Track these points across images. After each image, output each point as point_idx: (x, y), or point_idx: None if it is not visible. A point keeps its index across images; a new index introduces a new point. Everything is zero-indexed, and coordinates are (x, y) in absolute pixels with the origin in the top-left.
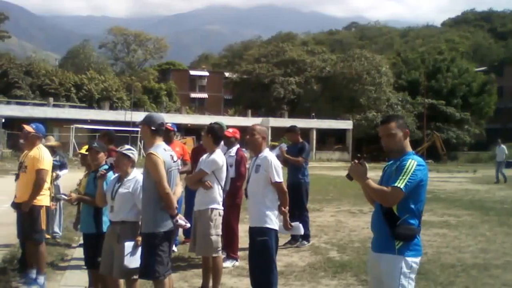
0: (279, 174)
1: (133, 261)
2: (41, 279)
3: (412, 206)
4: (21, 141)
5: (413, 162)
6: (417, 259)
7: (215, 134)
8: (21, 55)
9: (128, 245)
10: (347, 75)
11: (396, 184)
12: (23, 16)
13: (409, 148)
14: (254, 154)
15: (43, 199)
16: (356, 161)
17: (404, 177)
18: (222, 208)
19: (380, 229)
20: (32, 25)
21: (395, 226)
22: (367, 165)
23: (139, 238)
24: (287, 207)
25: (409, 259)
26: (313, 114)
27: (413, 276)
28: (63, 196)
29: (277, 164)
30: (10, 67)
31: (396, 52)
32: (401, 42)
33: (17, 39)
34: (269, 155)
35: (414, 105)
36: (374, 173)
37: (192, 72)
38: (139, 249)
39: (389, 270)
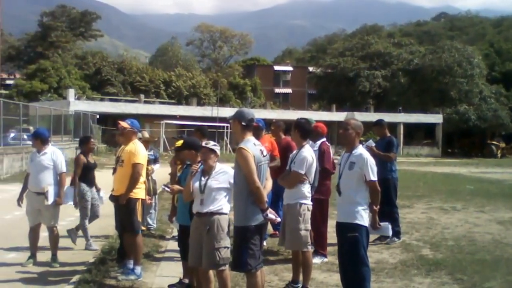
0: (374, 172)
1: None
2: (138, 269)
3: None
4: (117, 136)
5: None
6: None
7: (302, 129)
8: (113, 53)
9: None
10: (437, 67)
11: None
12: (114, 15)
13: None
14: (347, 150)
15: (139, 192)
16: None
17: None
18: (311, 203)
19: None
20: (123, 24)
21: None
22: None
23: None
24: (378, 206)
25: None
26: (400, 108)
27: None
28: (165, 188)
29: (372, 162)
30: (103, 65)
31: (489, 43)
32: (494, 32)
33: (109, 38)
34: (364, 152)
35: (509, 97)
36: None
37: (276, 67)
38: (226, 241)
39: None
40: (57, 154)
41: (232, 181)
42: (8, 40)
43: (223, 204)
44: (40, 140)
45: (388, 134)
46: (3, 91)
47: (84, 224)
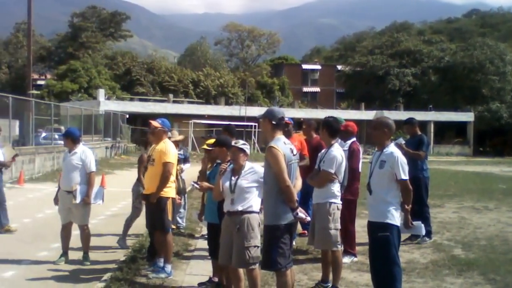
0: (405, 171)
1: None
2: (168, 268)
3: None
4: (149, 135)
5: None
6: None
7: (331, 128)
8: (142, 53)
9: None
10: (468, 64)
11: None
12: (144, 15)
13: None
14: (378, 148)
15: (170, 191)
16: None
17: None
18: (341, 202)
19: None
20: (152, 24)
21: None
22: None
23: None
24: (410, 206)
25: None
26: (431, 106)
27: None
28: (194, 184)
29: (403, 161)
30: (133, 65)
31: None
32: None
33: (138, 38)
34: (395, 151)
35: None
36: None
37: (305, 66)
38: (256, 240)
39: None
40: (87, 154)
41: (261, 180)
42: (39, 41)
43: (253, 203)
44: (71, 139)
45: (419, 133)
46: (34, 92)
47: (130, 222)
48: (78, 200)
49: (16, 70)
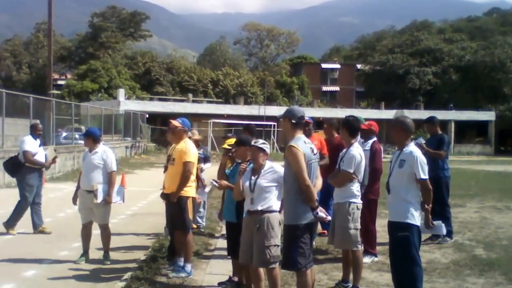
0: (425, 171)
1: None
2: (188, 267)
3: None
4: (167, 135)
5: None
6: None
7: (351, 127)
8: (162, 53)
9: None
10: (489, 63)
11: None
12: (163, 15)
13: None
14: (398, 148)
15: (190, 190)
16: None
17: None
18: (361, 202)
19: None
20: (172, 23)
21: None
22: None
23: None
24: (430, 205)
25: None
26: (451, 105)
27: None
28: (213, 182)
29: (422, 160)
30: (152, 65)
31: None
32: None
33: (158, 38)
34: (415, 150)
35: None
36: None
37: (324, 65)
38: (276, 239)
39: None
40: (108, 153)
41: (281, 179)
42: (60, 41)
43: (272, 203)
44: (91, 139)
45: (440, 132)
46: (55, 91)
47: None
48: (99, 199)
49: (36, 70)
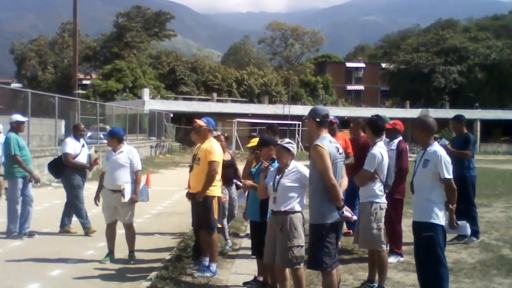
0: (449, 170)
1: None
2: (213, 267)
3: None
4: (191, 134)
5: None
6: None
7: (375, 126)
8: (186, 52)
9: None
10: None
11: None
12: (188, 15)
13: None
14: (422, 147)
15: (215, 190)
16: None
17: None
18: (385, 202)
19: None
20: (196, 23)
21: None
22: None
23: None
24: (455, 205)
25: None
26: (477, 104)
27: None
28: (237, 182)
29: (447, 159)
30: (177, 65)
31: None
32: None
33: (182, 38)
34: (439, 149)
35: None
36: None
37: (348, 64)
38: (300, 239)
39: None
40: (133, 153)
41: (304, 180)
42: (85, 41)
43: (295, 203)
44: (116, 138)
45: (465, 131)
46: (80, 91)
47: (222, 223)
48: (127, 198)
49: (62, 70)
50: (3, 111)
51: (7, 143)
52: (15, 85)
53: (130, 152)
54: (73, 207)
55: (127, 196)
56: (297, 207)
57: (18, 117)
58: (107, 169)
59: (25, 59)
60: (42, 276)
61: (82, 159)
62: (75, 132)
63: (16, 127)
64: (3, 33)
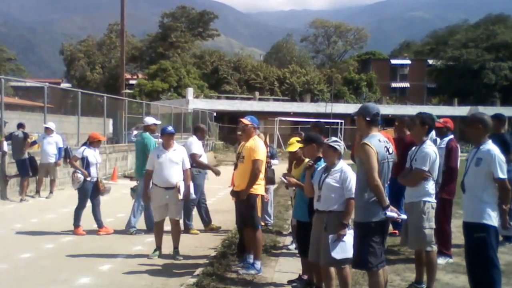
0: (503, 170)
1: (340, 252)
2: (257, 264)
3: None
4: (239, 133)
5: None
6: None
7: (425, 124)
8: (229, 52)
9: (333, 238)
10: None
11: None
12: (231, 14)
13: None
14: (474, 146)
15: (259, 188)
16: None
17: None
18: (435, 201)
19: None
20: (239, 22)
21: None
22: None
23: (342, 232)
24: (508, 205)
25: None
26: None
27: None
28: (283, 178)
29: (501, 158)
30: (220, 64)
31: None
32: None
33: (225, 37)
34: (493, 148)
35: None
36: None
37: (393, 61)
38: (347, 240)
39: None
40: (184, 151)
41: (347, 182)
42: (131, 42)
43: (337, 203)
44: (173, 137)
45: (502, 131)
46: (127, 91)
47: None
48: (182, 195)
49: (109, 70)
50: (54, 110)
51: (144, 143)
52: (65, 85)
53: (183, 151)
54: (186, 208)
55: (183, 193)
56: (340, 207)
57: (153, 120)
58: (159, 167)
59: (74, 60)
60: (93, 270)
61: (205, 159)
62: (199, 133)
63: (153, 129)
64: (53, 34)
